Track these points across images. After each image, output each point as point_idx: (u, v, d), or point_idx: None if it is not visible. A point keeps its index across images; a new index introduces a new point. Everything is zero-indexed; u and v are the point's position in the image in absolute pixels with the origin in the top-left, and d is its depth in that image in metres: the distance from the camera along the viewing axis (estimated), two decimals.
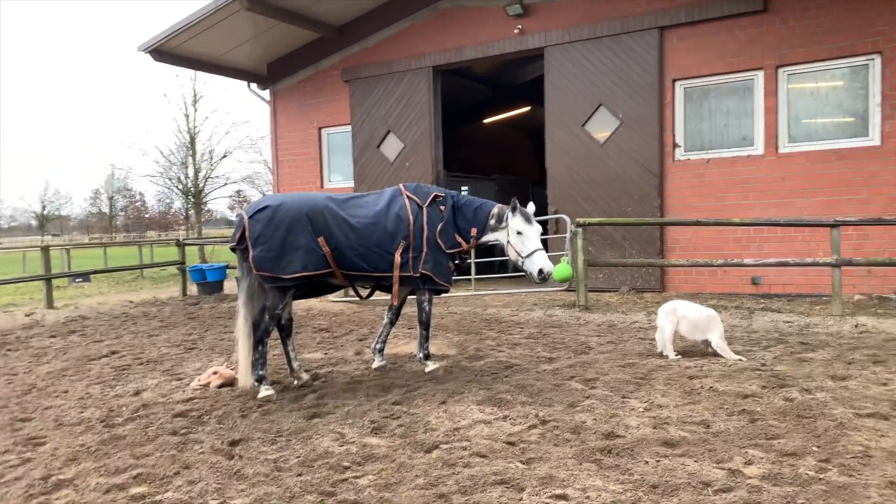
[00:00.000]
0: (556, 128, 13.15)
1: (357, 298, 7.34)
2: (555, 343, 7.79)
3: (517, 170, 22.57)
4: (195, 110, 28.32)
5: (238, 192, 46.91)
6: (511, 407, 5.13)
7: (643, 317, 9.48)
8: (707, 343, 6.75)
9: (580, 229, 10.59)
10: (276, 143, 16.92)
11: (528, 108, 20.95)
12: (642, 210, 12.29)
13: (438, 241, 6.13)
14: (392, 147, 15.08)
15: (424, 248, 6.03)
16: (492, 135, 22.82)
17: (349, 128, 15.69)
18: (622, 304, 11.04)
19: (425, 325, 6.38)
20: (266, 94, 17.07)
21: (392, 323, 6.73)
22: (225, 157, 30.24)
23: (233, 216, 60.64)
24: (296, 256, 5.63)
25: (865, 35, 10.62)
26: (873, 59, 10.66)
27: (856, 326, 8.15)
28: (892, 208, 10.49)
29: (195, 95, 28.21)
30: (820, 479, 3.58)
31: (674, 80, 12.10)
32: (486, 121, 21.98)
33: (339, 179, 16.30)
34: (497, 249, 6.77)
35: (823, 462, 3.81)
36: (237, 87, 58.92)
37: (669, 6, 11.98)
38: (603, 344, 7.63)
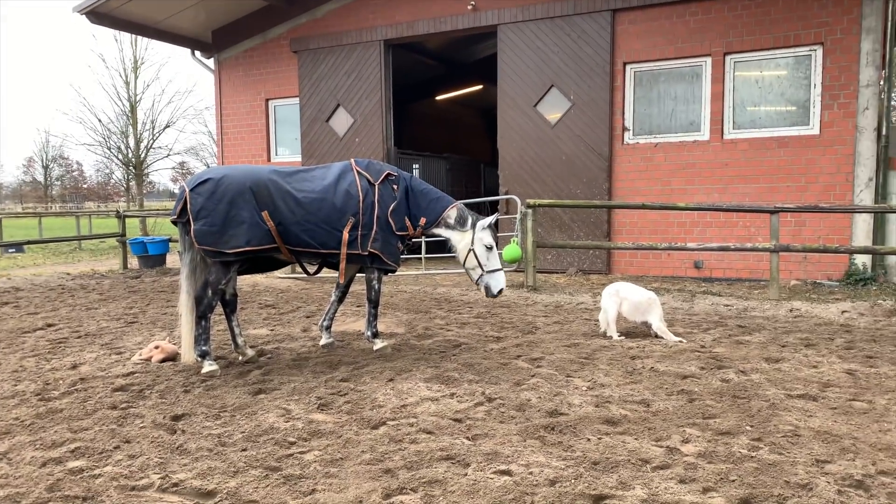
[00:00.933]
0: (509, 108, 13.16)
1: (304, 274, 7.22)
2: (503, 323, 7.86)
3: (469, 149, 22.59)
4: (136, 77, 27.32)
5: (182, 163, 45.63)
6: (458, 385, 5.17)
7: (589, 298, 9.65)
8: (647, 325, 6.92)
9: (530, 210, 10.66)
10: (221, 114, 16.48)
11: (480, 87, 20.92)
12: (591, 193, 12.45)
13: (390, 220, 6.06)
14: (342, 121, 14.86)
15: (374, 227, 5.94)
16: (444, 112, 22.73)
17: (297, 100, 15.39)
18: (569, 285, 11.21)
19: (374, 303, 6.31)
20: (211, 62, 16.56)
21: (340, 300, 6.62)
22: (168, 127, 29.23)
23: (176, 188, 59.08)
24: (239, 231, 5.49)
25: (809, 26, 10.92)
26: (815, 50, 10.99)
27: (791, 311, 8.46)
28: (828, 196, 10.89)
29: (136, 61, 27.20)
30: (752, 457, 3.71)
31: (625, 64, 12.23)
32: (438, 98, 21.87)
33: (287, 153, 16.01)
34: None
35: (756, 441, 3.96)
36: (181, 55, 57.18)
37: None
38: (549, 324, 7.73)
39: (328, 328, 6.64)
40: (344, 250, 5.86)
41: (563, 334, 7.11)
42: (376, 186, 6.06)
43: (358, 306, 9.04)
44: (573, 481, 3.42)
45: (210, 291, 5.64)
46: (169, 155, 31.56)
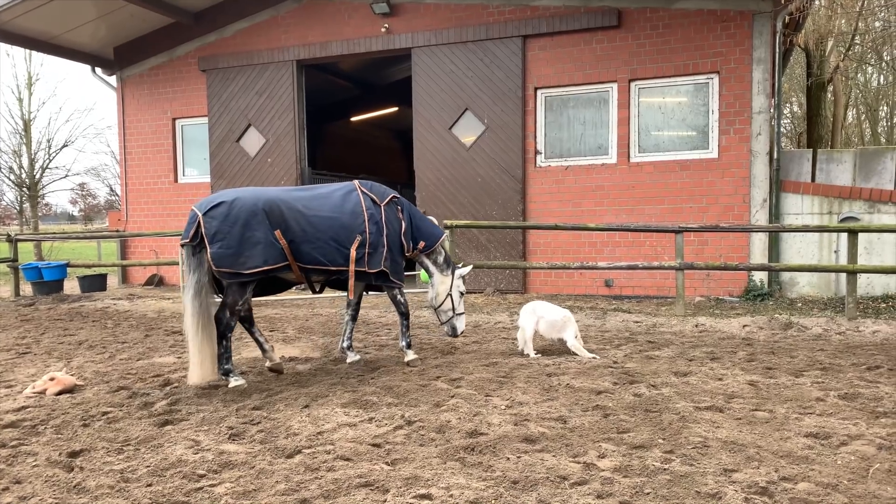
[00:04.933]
0: (424, 130, 13.25)
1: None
2: (421, 343, 7.82)
3: (385, 170, 22.57)
4: (30, 94, 25.86)
5: (82, 184, 43.48)
6: (377, 409, 5.08)
7: (506, 317, 9.75)
8: (563, 342, 7.04)
9: (447, 231, 10.71)
10: (125, 133, 15.81)
11: (395, 109, 20.99)
12: (506, 214, 12.65)
13: (403, 241, 6.48)
14: (253, 141, 14.54)
15: (384, 246, 6.27)
16: (360, 134, 22.65)
17: (206, 120, 14.97)
18: (487, 304, 11.30)
19: (405, 315, 6.67)
20: (113, 80, 15.91)
21: (353, 318, 6.84)
22: (65, 146, 27.79)
23: (75, 211, 56.15)
24: (255, 251, 5.63)
25: (706, 56, 11.56)
26: (712, 79, 11.62)
27: (696, 326, 8.82)
28: (727, 216, 11.49)
29: (30, 77, 25.77)
30: (665, 469, 3.81)
31: (536, 89, 12.56)
32: (353, 119, 21.78)
33: (195, 174, 15.51)
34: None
35: (668, 453, 4.06)
36: (80, 71, 54.67)
37: (532, 16, 12.43)
38: (468, 344, 7.75)
39: (349, 348, 6.84)
40: (352, 267, 6.09)
41: (481, 354, 7.14)
42: (382, 207, 6.37)
43: (270, 331, 8.80)
44: (493, 502, 3.41)
45: (229, 313, 5.77)
46: (67, 175, 30.02)
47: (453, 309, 6.87)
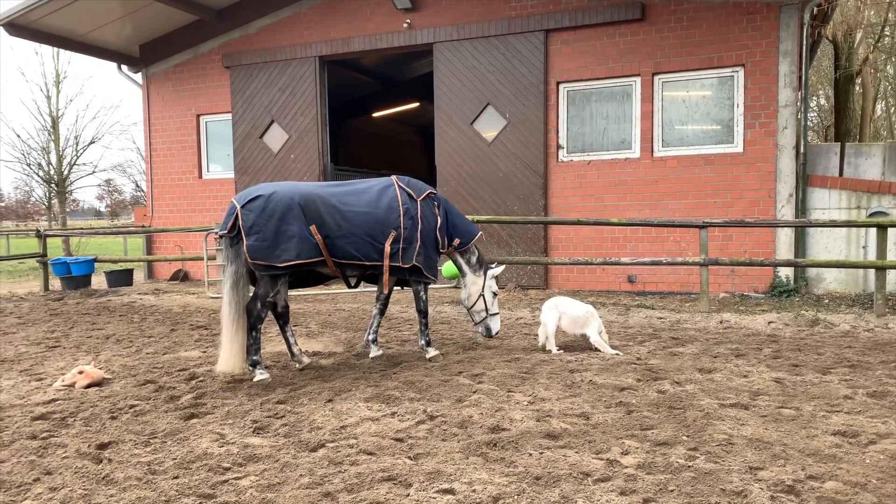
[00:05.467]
0: (445, 125, 13.24)
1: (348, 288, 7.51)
2: (443, 339, 7.83)
3: (407, 165, 22.55)
4: (58, 91, 26.23)
5: (108, 180, 44.07)
6: (399, 403, 5.10)
7: (528, 313, 9.73)
8: (585, 338, 7.01)
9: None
10: (150, 129, 16.00)
11: (417, 105, 20.99)
12: (527, 209, 12.61)
13: (438, 237, 6.55)
14: (276, 138, 14.64)
15: (418, 241, 6.32)
16: (382, 129, 22.70)
17: (230, 116, 15.09)
18: (508, 300, 11.28)
19: (423, 312, 6.69)
20: (139, 77, 16.09)
21: (382, 313, 6.87)
22: (92, 143, 28.14)
23: (101, 206, 56.97)
24: (289, 245, 5.72)
25: (731, 48, 11.40)
26: (737, 72, 11.47)
27: (721, 322, 8.73)
28: (752, 211, 11.34)
29: (58, 75, 26.14)
30: (689, 466, 3.78)
31: (558, 83, 12.48)
32: (375, 115, 21.83)
33: (219, 170, 15.66)
34: None
35: (692, 450, 4.03)
36: (107, 69, 55.40)
37: (554, 10, 12.35)
38: (490, 340, 7.74)
39: (374, 341, 6.86)
40: (386, 262, 6.16)
41: (503, 349, 7.13)
42: (418, 202, 6.44)
43: (295, 326, 8.86)
44: (516, 497, 3.41)
45: (259, 304, 5.86)
46: (94, 172, 30.43)
47: (486, 309, 6.90)
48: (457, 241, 6.74)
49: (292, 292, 9.80)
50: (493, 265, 7.17)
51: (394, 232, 6.19)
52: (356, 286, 6.69)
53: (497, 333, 7.04)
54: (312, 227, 5.82)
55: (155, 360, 6.91)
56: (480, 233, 6.99)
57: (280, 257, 5.70)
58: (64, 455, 4.14)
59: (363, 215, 6.10)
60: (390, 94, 20.52)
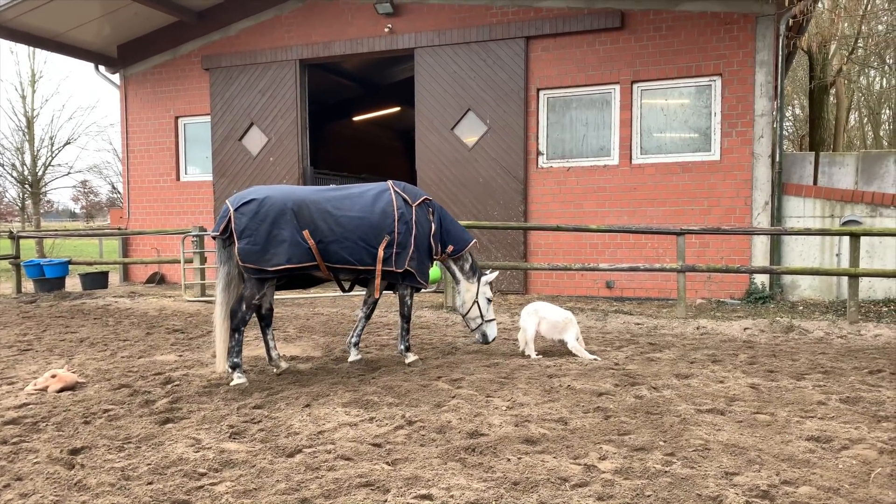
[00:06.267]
0: (426, 130, 13.25)
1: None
2: (423, 344, 7.82)
3: (387, 170, 22.53)
4: (33, 91, 25.85)
5: (84, 182, 43.45)
6: (377, 408, 5.08)
7: (507, 318, 9.74)
8: (564, 343, 7.04)
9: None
10: (127, 131, 15.82)
11: (398, 109, 20.99)
12: (508, 214, 12.65)
13: (431, 243, 6.54)
14: (256, 140, 14.55)
15: (412, 247, 6.32)
16: (362, 133, 22.65)
17: (209, 118, 14.97)
18: None
19: (406, 318, 6.67)
20: (116, 78, 15.90)
21: (367, 317, 6.85)
22: (68, 143, 27.77)
23: (77, 208, 56.15)
24: (280, 249, 5.75)
25: (708, 58, 11.54)
26: (715, 81, 11.62)
27: (697, 328, 8.82)
28: (729, 218, 11.48)
29: (33, 74, 25.77)
30: (666, 471, 3.81)
31: (538, 90, 12.55)
32: (355, 119, 21.78)
33: (197, 172, 15.52)
34: None
35: (669, 455, 4.06)
36: (83, 69, 54.71)
37: (535, 17, 12.43)
38: (469, 344, 7.75)
39: (356, 345, 6.80)
40: (379, 267, 6.18)
41: (482, 354, 7.14)
42: (413, 208, 6.44)
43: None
44: (494, 503, 3.40)
45: (244, 305, 5.87)
46: (69, 173, 30.02)
47: (481, 316, 6.90)
48: (450, 248, 6.75)
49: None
50: (487, 271, 7.18)
51: (388, 236, 6.20)
52: (350, 290, 6.70)
53: (493, 339, 7.04)
54: (305, 232, 5.84)
55: (130, 364, 6.82)
56: (474, 240, 6.99)
57: (270, 261, 5.73)
58: (35, 460, 4.07)
59: (357, 220, 6.12)
60: (371, 98, 20.50)
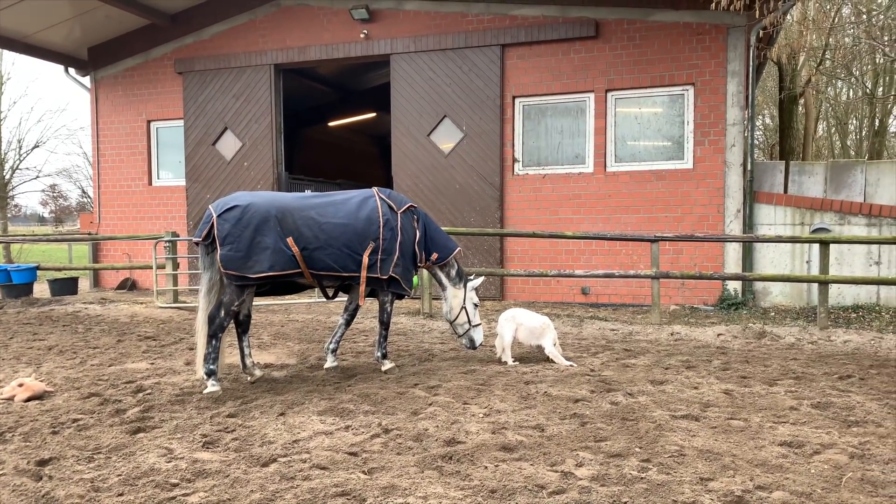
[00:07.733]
0: (402, 136, 13.23)
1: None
2: (399, 350, 7.78)
3: (363, 175, 22.47)
4: (0, 93, 25.41)
5: (53, 185, 42.62)
6: (353, 416, 5.04)
7: (484, 325, 9.72)
8: (541, 349, 7.06)
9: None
10: (98, 135, 15.57)
11: (374, 115, 20.94)
12: (484, 221, 12.67)
13: (416, 251, 6.51)
14: (229, 145, 14.41)
15: (396, 254, 6.31)
16: (338, 139, 22.56)
17: (182, 122, 14.80)
18: None
19: (385, 325, 6.63)
20: (87, 80, 15.66)
21: (348, 324, 6.83)
22: (36, 147, 27.36)
23: (46, 212, 55.07)
24: (263, 256, 5.71)
25: (681, 67, 11.70)
26: (687, 90, 11.77)
27: (672, 334, 8.90)
28: (702, 226, 11.61)
29: (0, 76, 25.33)
30: (642, 478, 3.82)
31: (514, 97, 12.61)
32: (331, 124, 21.69)
33: (170, 177, 15.32)
34: None
35: (645, 462, 4.08)
36: (53, 71, 53.82)
37: (511, 25, 12.49)
38: (446, 351, 7.74)
39: (334, 351, 6.76)
40: (364, 273, 6.17)
41: (459, 361, 7.12)
42: (398, 214, 6.42)
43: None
44: None
45: (223, 312, 5.81)
46: (38, 177, 29.54)
47: (469, 321, 6.91)
48: (435, 256, 6.74)
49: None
50: (472, 277, 7.19)
51: (372, 243, 6.20)
52: (334, 297, 6.65)
53: (481, 344, 7.06)
54: (289, 240, 5.82)
55: (100, 372, 6.69)
56: (459, 248, 6.98)
57: (252, 268, 5.69)
58: (1, 472, 3.96)
59: (342, 227, 6.10)
60: (347, 103, 20.44)
